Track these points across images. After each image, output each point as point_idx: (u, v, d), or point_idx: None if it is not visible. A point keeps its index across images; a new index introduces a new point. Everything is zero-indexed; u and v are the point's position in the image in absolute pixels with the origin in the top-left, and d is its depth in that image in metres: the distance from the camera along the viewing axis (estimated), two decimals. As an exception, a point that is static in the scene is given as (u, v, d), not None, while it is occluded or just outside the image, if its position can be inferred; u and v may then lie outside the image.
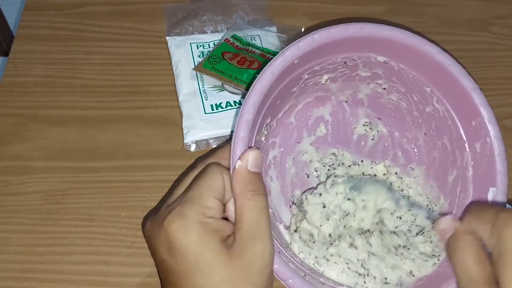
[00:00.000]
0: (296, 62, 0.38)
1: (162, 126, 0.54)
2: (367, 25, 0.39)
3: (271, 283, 0.34)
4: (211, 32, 0.61)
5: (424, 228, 0.44)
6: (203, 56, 0.58)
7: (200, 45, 0.59)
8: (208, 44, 0.59)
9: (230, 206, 0.35)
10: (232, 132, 0.36)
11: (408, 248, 0.42)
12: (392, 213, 0.44)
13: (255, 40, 0.59)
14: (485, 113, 0.40)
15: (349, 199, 0.43)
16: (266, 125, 0.41)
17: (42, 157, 0.51)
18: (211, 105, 0.54)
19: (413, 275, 0.41)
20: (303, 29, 0.61)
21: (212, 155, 0.38)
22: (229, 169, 0.35)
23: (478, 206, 0.34)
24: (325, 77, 0.43)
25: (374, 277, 0.41)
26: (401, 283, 0.41)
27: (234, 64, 0.55)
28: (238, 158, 0.34)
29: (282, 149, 0.45)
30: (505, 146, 0.40)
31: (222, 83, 0.55)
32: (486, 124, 0.40)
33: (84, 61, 0.58)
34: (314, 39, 0.37)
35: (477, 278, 0.31)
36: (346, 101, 0.47)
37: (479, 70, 0.61)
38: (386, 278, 0.41)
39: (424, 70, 0.41)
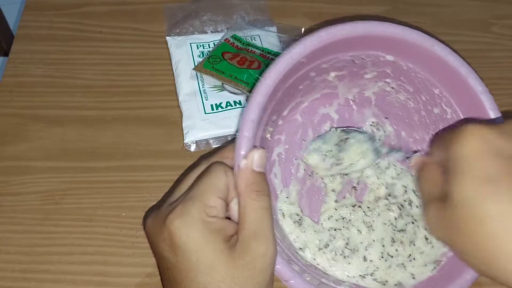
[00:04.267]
0: (303, 60, 0.37)
1: (162, 126, 0.54)
2: (376, 23, 0.38)
3: (272, 283, 0.34)
4: (211, 32, 0.61)
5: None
6: (203, 56, 0.58)
7: (200, 45, 0.58)
8: (208, 44, 0.59)
9: (233, 206, 0.35)
10: (236, 131, 0.36)
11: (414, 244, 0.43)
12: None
13: (255, 40, 0.59)
14: (494, 116, 0.40)
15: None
16: (272, 122, 0.41)
17: (42, 157, 0.51)
18: (211, 105, 0.54)
19: (414, 278, 0.41)
20: (303, 29, 0.61)
21: (216, 154, 0.37)
22: (233, 168, 0.35)
23: (438, 135, 0.38)
24: (333, 74, 0.43)
25: (375, 279, 0.41)
26: (400, 283, 0.42)
27: (234, 64, 0.55)
28: (244, 157, 0.34)
29: (287, 146, 0.45)
30: None
31: (222, 83, 0.55)
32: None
33: (84, 61, 0.58)
34: (322, 37, 0.37)
35: (430, 197, 0.35)
36: (353, 100, 0.46)
37: (479, 70, 0.60)
38: (387, 281, 0.42)
39: (433, 70, 0.41)
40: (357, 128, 0.46)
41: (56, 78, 0.57)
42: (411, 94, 0.44)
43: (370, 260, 0.42)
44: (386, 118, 0.47)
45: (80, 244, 0.47)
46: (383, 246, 0.43)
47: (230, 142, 0.48)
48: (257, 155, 0.34)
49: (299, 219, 0.43)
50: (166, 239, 0.32)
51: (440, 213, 0.33)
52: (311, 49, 0.37)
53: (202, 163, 0.37)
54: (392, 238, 0.43)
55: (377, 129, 0.47)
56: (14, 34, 0.65)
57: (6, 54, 1.12)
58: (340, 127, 0.45)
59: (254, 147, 0.35)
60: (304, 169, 0.45)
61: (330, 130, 0.45)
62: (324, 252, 0.42)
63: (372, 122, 0.47)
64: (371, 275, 0.42)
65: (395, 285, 0.42)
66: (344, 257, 0.42)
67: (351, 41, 0.39)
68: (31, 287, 0.44)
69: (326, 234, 0.43)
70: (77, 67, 0.57)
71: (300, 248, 0.42)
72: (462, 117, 0.41)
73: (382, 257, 0.43)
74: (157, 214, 0.34)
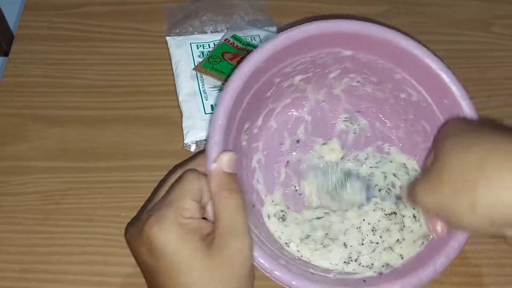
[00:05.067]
0: (262, 65, 0.39)
1: (162, 126, 0.54)
2: (326, 22, 0.40)
3: (252, 277, 0.35)
4: (211, 32, 0.61)
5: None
6: (203, 56, 0.58)
7: (200, 45, 0.58)
8: (208, 44, 0.59)
9: (209, 208, 0.37)
10: (207, 137, 0.38)
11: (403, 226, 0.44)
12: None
13: (255, 40, 0.59)
14: (455, 90, 0.41)
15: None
16: (246, 130, 0.43)
17: (42, 157, 0.51)
18: (211, 105, 0.54)
19: (402, 258, 0.42)
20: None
21: (190, 161, 0.39)
22: (206, 174, 0.37)
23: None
24: (298, 78, 0.44)
25: (360, 263, 0.42)
26: (388, 264, 0.42)
27: (234, 64, 0.55)
28: (213, 161, 0.36)
29: (266, 152, 0.46)
30: None
31: (222, 83, 0.55)
32: (458, 100, 0.41)
33: (84, 61, 0.58)
34: (277, 42, 0.39)
35: (416, 180, 0.39)
36: (323, 100, 0.48)
37: (479, 70, 0.61)
38: (372, 264, 0.42)
39: (390, 57, 0.43)
40: (357, 171, 0.46)
41: (56, 78, 0.57)
42: (376, 85, 0.46)
43: (351, 246, 0.43)
44: (358, 112, 0.48)
45: (80, 244, 0.47)
46: (364, 233, 0.44)
47: (203, 150, 0.49)
48: (226, 157, 0.36)
49: (283, 215, 0.44)
50: (145, 244, 0.34)
51: (427, 177, 0.36)
52: (268, 54, 0.39)
53: (177, 171, 0.38)
54: (373, 227, 0.44)
55: (351, 123, 0.48)
56: (14, 34, 0.65)
57: (6, 54, 1.12)
58: (341, 168, 0.46)
59: (225, 151, 0.37)
60: (286, 172, 0.46)
61: (333, 167, 0.46)
62: (306, 243, 0.43)
63: (346, 118, 0.48)
64: (355, 261, 0.43)
65: (382, 266, 0.42)
66: (324, 246, 0.43)
67: (307, 42, 0.40)
68: (31, 287, 0.44)
69: (307, 225, 0.44)
70: (77, 67, 0.57)
71: (286, 243, 0.43)
72: (427, 96, 0.43)
73: (362, 243, 0.43)
74: (135, 223, 0.36)
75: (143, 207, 0.39)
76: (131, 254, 0.36)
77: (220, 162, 0.36)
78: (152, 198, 0.38)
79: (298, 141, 0.47)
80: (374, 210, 0.45)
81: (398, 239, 0.43)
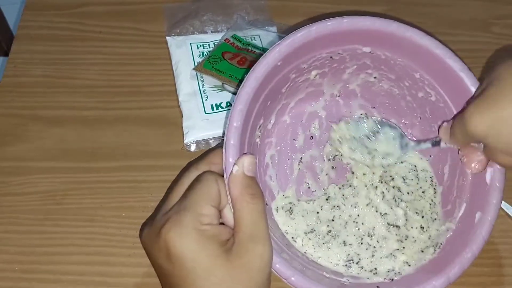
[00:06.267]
0: (279, 64, 0.38)
1: (162, 126, 0.54)
2: (346, 18, 0.39)
3: (269, 283, 0.35)
4: (211, 32, 0.60)
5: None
6: (203, 56, 0.58)
7: (200, 45, 0.58)
8: (208, 44, 0.59)
9: (227, 212, 0.36)
10: (223, 135, 0.37)
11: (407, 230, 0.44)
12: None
13: (255, 40, 0.59)
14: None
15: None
16: (260, 126, 0.42)
17: (42, 157, 0.51)
18: (211, 105, 0.54)
19: (409, 265, 0.42)
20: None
21: (203, 160, 0.39)
22: (221, 175, 0.37)
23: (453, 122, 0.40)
24: (314, 73, 0.44)
25: (362, 267, 0.42)
26: (393, 270, 0.42)
27: (234, 64, 0.55)
28: (234, 164, 0.36)
29: (279, 147, 0.45)
30: None
31: (222, 83, 0.55)
32: None
33: (84, 61, 0.58)
34: (294, 40, 0.38)
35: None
36: (338, 95, 0.47)
37: (479, 70, 0.61)
38: (376, 269, 0.42)
39: (410, 56, 0.42)
40: (390, 122, 0.46)
41: (56, 78, 0.57)
42: (394, 82, 0.45)
43: (350, 244, 0.43)
44: (374, 108, 0.48)
45: (81, 244, 0.47)
46: (362, 231, 0.44)
47: (216, 147, 0.49)
48: (247, 161, 0.36)
49: (290, 207, 0.44)
50: (162, 249, 0.33)
51: (481, 100, 0.35)
52: (285, 52, 0.38)
53: (191, 169, 0.38)
54: (369, 233, 0.44)
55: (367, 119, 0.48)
56: (14, 34, 0.65)
57: (6, 54, 1.12)
58: (374, 117, 0.46)
59: (244, 154, 0.36)
60: (299, 169, 0.46)
61: (364, 117, 0.46)
62: (310, 238, 0.43)
63: (361, 114, 0.48)
64: (356, 263, 0.43)
65: (388, 271, 0.42)
66: (324, 242, 0.43)
67: (324, 39, 0.40)
68: (31, 287, 0.44)
69: (313, 217, 0.44)
70: (77, 67, 0.57)
71: (292, 238, 0.43)
72: (446, 97, 0.42)
73: (361, 243, 0.43)
74: (152, 225, 0.35)
75: (158, 208, 0.38)
76: (141, 257, 0.36)
77: (241, 165, 0.36)
78: (167, 198, 0.37)
79: (312, 137, 0.46)
80: (382, 199, 0.44)
81: (398, 248, 0.43)
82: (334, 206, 0.45)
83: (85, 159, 0.51)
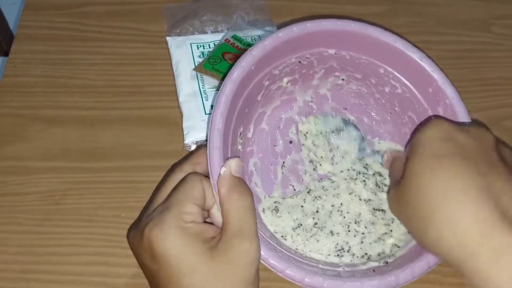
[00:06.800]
0: (252, 68, 0.40)
1: (162, 126, 0.54)
2: (310, 22, 0.42)
3: (257, 280, 0.35)
4: (212, 32, 0.60)
5: None
6: (203, 56, 0.58)
7: (201, 45, 0.58)
8: (209, 45, 0.59)
9: (214, 211, 0.37)
10: (206, 140, 0.38)
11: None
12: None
13: (255, 40, 0.59)
14: (438, 77, 0.43)
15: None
16: (240, 134, 0.43)
17: (42, 157, 0.51)
18: (212, 106, 0.54)
19: (399, 247, 0.43)
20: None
21: (187, 160, 0.39)
22: (206, 175, 0.37)
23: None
24: (285, 80, 0.46)
25: (354, 254, 0.43)
26: (384, 253, 0.43)
27: (234, 64, 0.55)
28: (222, 165, 0.36)
29: (261, 154, 0.47)
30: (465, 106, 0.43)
31: (221, 84, 0.55)
32: (441, 87, 0.43)
33: (84, 61, 0.58)
34: (265, 44, 0.41)
35: (394, 181, 0.41)
36: (311, 100, 0.49)
37: (479, 70, 0.61)
38: (366, 254, 0.43)
39: (372, 52, 0.44)
40: (354, 122, 0.49)
41: (56, 78, 0.57)
42: (361, 81, 0.47)
43: (337, 233, 0.44)
44: (346, 109, 0.49)
45: (80, 245, 0.47)
46: (348, 219, 0.45)
47: (199, 147, 0.49)
48: (233, 163, 0.37)
49: (276, 206, 0.45)
50: (146, 248, 0.34)
51: (396, 191, 0.38)
52: (258, 56, 0.40)
53: (175, 170, 0.39)
54: (356, 220, 0.45)
55: (335, 116, 0.49)
56: (14, 34, 0.65)
57: (6, 54, 1.12)
58: (341, 116, 0.49)
59: (233, 156, 0.37)
60: (282, 173, 0.47)
61: (332, 114, 0.48)
62: (298, 234, 0.43)
63: (334, 116, 0.49)
64: (347, 252, 0.43)
65: (379, 255, 0.42)
66: (312, 235, 0.43)
67: (291, 43, 0.42)
68: (31, 287, 0.44)
69: (299, 212, 0.44)
70: (77, 67, 0.57)
71: (282, 236, 0.43)
72: (410, 86, 0.45)
73: (349, 231, 0.44)
74: (137, 227, 0.36)
75: (144, 209, 0.38)
76: (134, 257, 0.36)
77: (228, 166, 0.36)
78: (152, 200, 0.38)
79: (291, 142, 0.48)
80: (364, 187, 0.46)
81: (386, 232, 0.44)
82: (316, 198, 0.45)
83: (85, 159, 0.51)
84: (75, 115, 0.54)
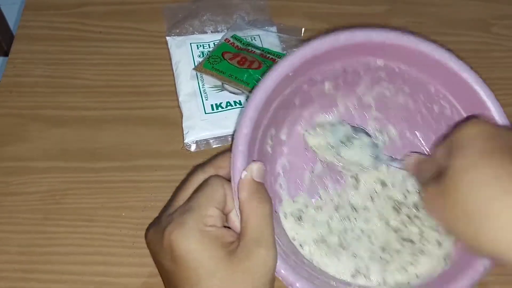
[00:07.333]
0: (290, 74, 0.39)
1: (162, 126, 0.54)
2: (358, 31, 0.39)
3: (272, 287, 0.35)
4: (211, 32, 0.61)
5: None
6: (203, 56, 0.58)
7: (200, 45, 0.58)
8: (208, 44, 0.59)
9: (233, 216, 0.37)
10: (233, 135, 0.38)
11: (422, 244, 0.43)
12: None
13: (255, 40, 0.59)
14: (491, 106, 0.40)
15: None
16: (271, 136, 0.42)
17: (42, 157, 0.51)
18: (211, 105, 0.54)
19: (418, 277, 0.41)
20: (303, 29, 0.61)
21: (210, 163, 0.39)
22: (228, 179, 0.37)
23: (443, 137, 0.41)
24: (327, 84, 0.44)
25: (369, 279, 0.41)
26: (402, 281, 0.41)
27: (235, 64, 0.55)
28: (244, 169, 0.36)
29: (291, 157, 0.45)
30: None
31: (222, 83, 0.55)
32: (493, 116, 0.40)
33: (84, 61, 0.58)
34: (306, 52, 0.39)
35: (426, 180, 0.38)
36: (353, 107, 0.46)
37: (479, 70, 0.60)
38: (384, 280, 0.41)
39: (423, 69, 0.42)
40: (365, 129, 0.46)
41: (56, 78, 0.57)
42: (408, 95, 0.45)
43: (360, 257, 0.42)
44: (388, 120, 0.47)
45: (80, 244, 0.47)
46: (374, 244, 0.43)
47: (224, 151, 0.49)
48: (256, 167, 0.36)
49: (300, 215, 0.43)
50: (166, 249, 0.34)
51: (436, 190, 0.35)
52: (297, 64, 0.38)
53: (197, 172, 0.39)
54: (383, 247, 0.43)
55: (381, 132, 0.47)
56: (14, 34, 0.65)
57: (6, 54, 1.12)
58: (350, 124, 0.46)
59: (253, 161, 0.37)
60: (311, 179, 0.45)
61: (341, 122, 0.46)
62: (319, 248, 0.42)
63: (375, 127, 0.47)
64: (364, 275, 0.42)
65: (396, 283, 0.41)
66: (334, 252, 0.42)
67: (336, 52, 0.40)
68: (31, 287, 0.44)
69: (324, 227, 0.43)
70: (77, 67, 0.57)
71: (300, 245, 0.42)
72: (461, 110, 0.42)
73: (373, 256, 0.42)
74: (157, 226, 0.36)
75: (164, 209, 0.38)
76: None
77: (250, 171, 0.36)
78: (173, 200, 0.38)
79: None
80: (396, 217, 0.43)
81: (412, 262, 0.42)
82: (344, 218, 0.44)
83: (85, 159, 0.51)
84: (75, 115, 0.54)
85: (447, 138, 0.37)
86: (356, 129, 0.45)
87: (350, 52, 0.40)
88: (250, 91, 0.46)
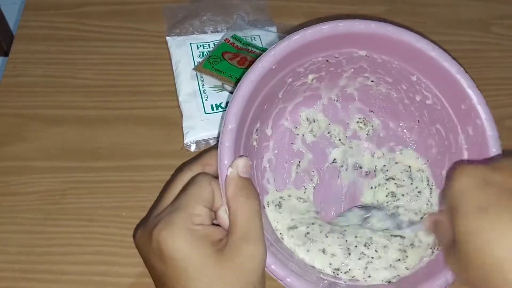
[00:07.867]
0: (274, 67, 0.38)
1: (162, 126, 0.54)
2: (341, 22, 0.39)
3: (263, 284, 0.35)
4: (211, 32, 0.61)
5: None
6: (203, 56, 0.58)
7: (200, 45, 0.58)
8: (208, 44, 0.59)
9: (221, 213, 0.36)
10: (218, 138, 0.37)
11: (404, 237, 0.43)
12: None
13: (255, 40, 0.59)
14: (473, 95, 0.40)
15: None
16: (256, 130, 0.42)
17: (42, 157, 0.51)
18: (211, 105, 0.54)
19: (408, 269, 0.41)
20: (303, 29, 0.61)
21: (197, 161, 0.39)
22: (215, 176, 0.37)
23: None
24: (310, 77, 0.44)
25: (353, 276, 0.41)
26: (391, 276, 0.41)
27: (234, 64, 0.55)
28: (229, 166, 0.36)
29: (276, 151, 0.45)
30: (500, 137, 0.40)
31: (222, 83, 0.55)
32: (475, 106, 0.40)
33: (84, 61, 0.58)
34: (289, 43, 0.38)
35: (447, 245, 0.36)
36: (336, 99, 0.47)
37: (479, 70, 0.61)
38: (370, 277, 0.41)
39: (406, 59, 0.42)
40: (375, 205, 0.45)
41: (56, 78, 0.57)
42: (391, 85, 0.45)
43: (332, 254, 0.41)
44: (372, 111, 0.47)
45: (80, 244, 0.47)
46: (356, 245, 0.42)
47: (210, 148, 0.49)
48: (241, 163, 0.36)
49: (279, 202, 0.44)
50: (154, 250, 0.33)
51: (455, 256, 0.34)
52: (280, 56, 0.38)
53: (184, 170, 0.38)
54: (366, 243, 0.42)
55: (365, 124, 0.47)
56: (14, 34, 0.65)
57: (6, 54, 1.12)
58: (356, 206, 0.45)
59: (240, 156, 0.37)
60: (297, 172, 0.45)
61: (350, 210, 0.45)
62: (292, 235, 0.42)
63: (359, 118, 0.48)
64: (345, 273, 0.41)
65: (381, 280, 0.41)
66: (302, 243, 0.42)
67: (319, 43, 0.40)
68: (31, 287, 0.44)
69: (298, 215, 0.43)
70: (77, 67, 0.57)
71: (280, 234, 0.42)
72: (442, 99, 0.42)
73: (350, 254, 0.42)
74: (144, 227, 0.35)
75: (152, 209, 0.38)
76: (140, 257, 0.36)
77: (235, 167, 0.36)
78: (160, 200, 0.37)
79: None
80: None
81: (400, 259, 0.42)
82: (320, 211, 0.44)
83: (85, 159, 0.51)
84: (75, 115, 0.54)
85: (444, 196, 0.36)
86: (365, 208, 0.45)
87: (333, 43, 0.40)
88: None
